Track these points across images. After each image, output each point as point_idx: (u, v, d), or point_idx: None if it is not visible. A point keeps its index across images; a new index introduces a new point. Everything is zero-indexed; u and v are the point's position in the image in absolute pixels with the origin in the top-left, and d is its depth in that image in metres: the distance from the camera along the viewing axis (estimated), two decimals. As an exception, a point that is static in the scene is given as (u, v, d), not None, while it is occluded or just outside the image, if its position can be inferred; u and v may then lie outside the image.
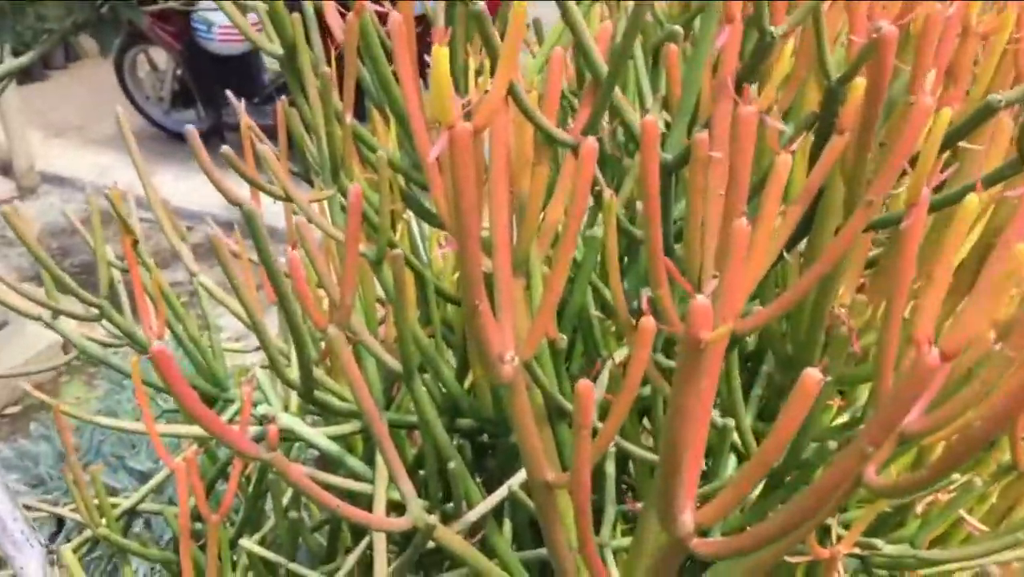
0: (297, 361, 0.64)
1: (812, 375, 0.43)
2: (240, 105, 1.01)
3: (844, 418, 0.87)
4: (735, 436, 0.79)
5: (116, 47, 4.76)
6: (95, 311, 0.96)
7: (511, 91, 0.56)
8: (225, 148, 0.69)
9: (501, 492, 0.68)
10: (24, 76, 5.51)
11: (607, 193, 0.62)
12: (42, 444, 2.24)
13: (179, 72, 4.83)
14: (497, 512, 0.81)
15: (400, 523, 0.57)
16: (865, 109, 0.56)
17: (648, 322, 0.50)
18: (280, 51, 0.80)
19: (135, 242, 0.99)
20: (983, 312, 0.43)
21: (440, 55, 0.42)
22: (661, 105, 0.76)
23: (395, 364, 0.68)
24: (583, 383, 0.49)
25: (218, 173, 0.73)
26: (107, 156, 5.02)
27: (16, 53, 2.89)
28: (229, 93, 1.10)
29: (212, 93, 4.71)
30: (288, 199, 0.74)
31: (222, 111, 4.76)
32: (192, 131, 0.68)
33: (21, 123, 4.81)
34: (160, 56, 4.92)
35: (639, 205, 0.73)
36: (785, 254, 0.73)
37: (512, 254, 0.64)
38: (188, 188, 4.49)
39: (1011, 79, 0.66)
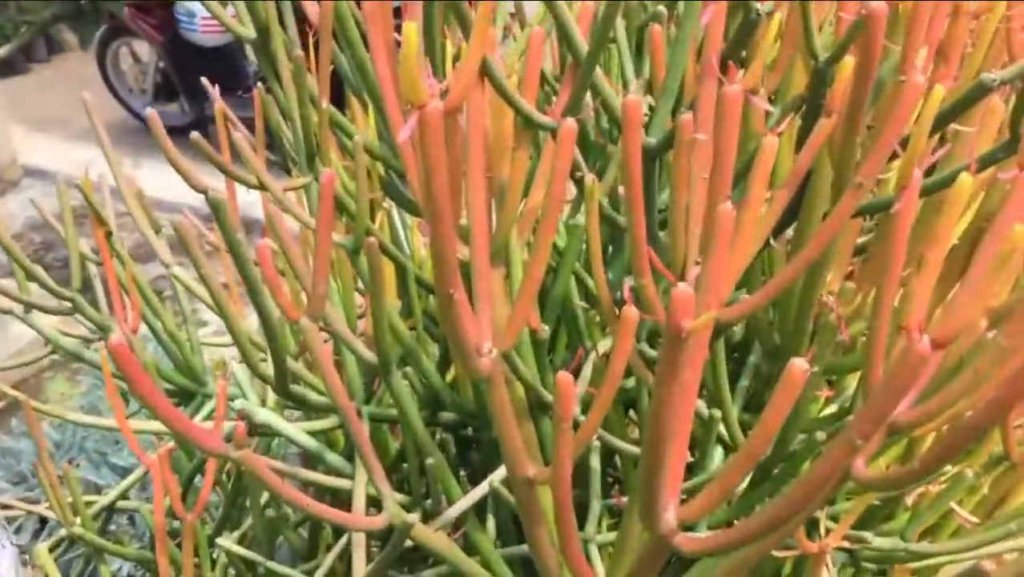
0: (271, 355, 0.62)
1: (798, 365, 0.42)
2: (214, 91, 0.99)
3: (833, 408, 0.85)
4: (722, 428, 0.78)
5: (98, 39, 4.70)
6: (68, 305, 0.94)
7: (487, 72, 0.54)
8: (195, 135, 0.67)
9: (482, 488, 0.66)
10: (6, 69, 5.44)
11: (589, 178, 0.60)
12: (24, 441, 2.21)
13: (162, 64, 4.78)
14: (480, 507, 0.79)
15: (376, 522, 0.55)
16: (854, 90, 0.54)
17: (630, 312, 0.48)
18: (253, 35, 0.78)
19: (109, 233, 0.96)
20: (977, 298, 0.41)
21: (410, 31, 0.40)
22: (645, 88, 0.75)
23: (372, 357, 0.66)
24: (563, 375, 0.47)
25: (196, 165, 0.71)
26: (90, 150, 4.94)
27: (-6, 45, 2.85)
28: (205, 82, 1.08)
29: (195, 85, 4.66)
30: (262, 187, 0.72)
31: (205, 104, 4.72)
32: (154, 116, 0.65)
33: (3, 117, 4.76)
34: (143, 48, 4.86)
35: (623, 191, 0.71)
36: (772, 241, 0.71)
37: (491, 242, 0.62)
38: (172, 181, 4.43)
39: (1002, 59, 0.65)
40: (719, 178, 0.50)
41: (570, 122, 0.48)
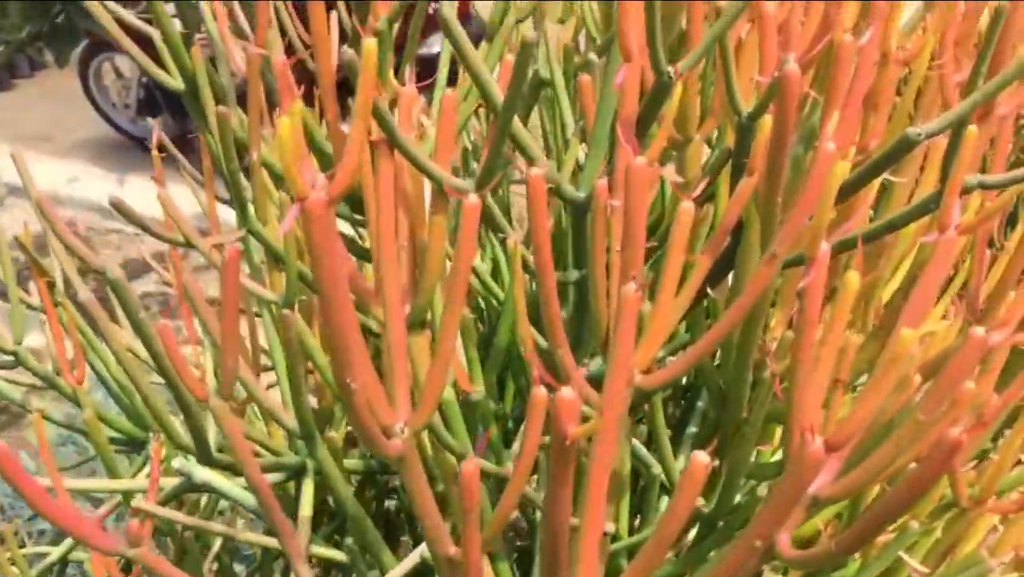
0: (188, 428, 0.60)
1: (699, 460, 0.40)
2: (154, 123, 0.99)
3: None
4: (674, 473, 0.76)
5: (80, 55, 4.67)
6: (11, 359, 0.92)
7: (394, 141, 0.52)
8: (114, 198, 0.65)
9: (412, 559, 0.65)
10: (-12, 86, 5.42)
11: (511, 240, 0.58)
12: None
13: (144, 79, 4.75)
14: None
15: (292, 605, 0.53)
16: (772, 151, 0.53)
17: (538, 394, 0.46)
18: (181, 86, 0.76)
19: (51, 284, 0.94)
20: (877, 398, 0.40)
21: (285, 124, 0.39)
22: (581, 136, 0.73)
23: (292, 424, 0.64)
24: (467, 466, 0.45)
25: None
26: (76, 166, 4.94)
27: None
28: (152, 123, 1.06)
29: (178, 99, 4.63)
30: (188, 244, 0.70)
31: (188, 118, 4.69)
32: (44, 202, 0.64)
33: (-15, 134, 4.73)
34: (125, 63, 4.84)
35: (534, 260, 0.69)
36: (709, 291, 0.70)
37: (413, 306, 0.61)
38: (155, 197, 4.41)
39: (937, 107, 0.63)
40: (629, 252, 0.48)
41: (473, 201, 0.46)
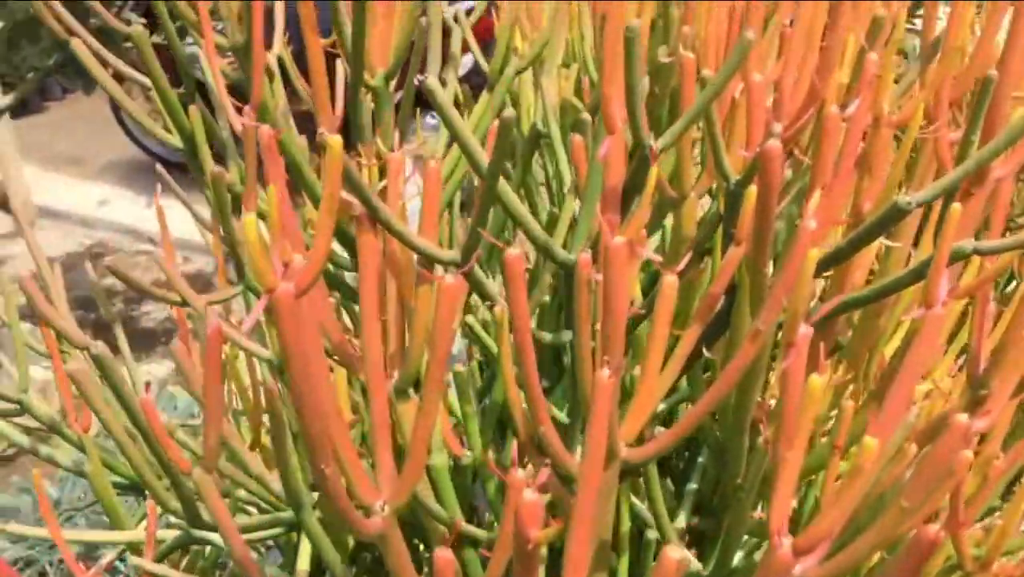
0: (175, 495, 0.61)
1: (671, 556, 0.39)
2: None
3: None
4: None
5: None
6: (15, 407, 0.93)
7: (377, 217, 0.52)
8: (110, 264, 0.65)
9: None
10: (21, 109, 5.51)
11: (498, 308, 0.58)
12: (24, 497, 2.22)
13: (172, 101, 4.81)
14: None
15: None
16: (757, 222, 0.52)
17: (515, 478, 0.45)
18: (179, 144, 0.77)
19: (59, 335, 0.95)
20: (843, 509, 0.39)
21: (249, 224, 0.39)
22: (576, 193, 0.73)
23: (279, 489, 0.64)
24: (440, 554, 0.45)
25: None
26: (106, 188, 5.01)
27: (7, 84, 2.87)
28: (161, 169, 1.07)
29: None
30: (184, 303, 0.71)
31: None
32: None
33: (17, 156, 4.81)
34: (153, 86, 4.90)
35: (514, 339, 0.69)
36: (705, 351, 0.69)
37: (402, 374, 0.60)
38: (184, 217, 4.46)
39: (933, 168, 0.62)
40: (610, 327, 0.48)
41: (450, 279, 0.46)
